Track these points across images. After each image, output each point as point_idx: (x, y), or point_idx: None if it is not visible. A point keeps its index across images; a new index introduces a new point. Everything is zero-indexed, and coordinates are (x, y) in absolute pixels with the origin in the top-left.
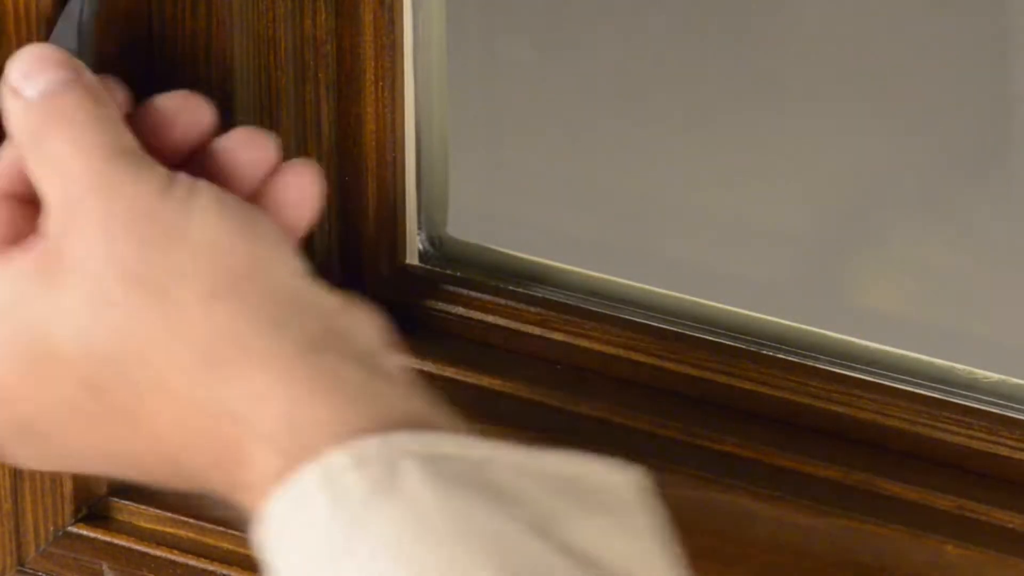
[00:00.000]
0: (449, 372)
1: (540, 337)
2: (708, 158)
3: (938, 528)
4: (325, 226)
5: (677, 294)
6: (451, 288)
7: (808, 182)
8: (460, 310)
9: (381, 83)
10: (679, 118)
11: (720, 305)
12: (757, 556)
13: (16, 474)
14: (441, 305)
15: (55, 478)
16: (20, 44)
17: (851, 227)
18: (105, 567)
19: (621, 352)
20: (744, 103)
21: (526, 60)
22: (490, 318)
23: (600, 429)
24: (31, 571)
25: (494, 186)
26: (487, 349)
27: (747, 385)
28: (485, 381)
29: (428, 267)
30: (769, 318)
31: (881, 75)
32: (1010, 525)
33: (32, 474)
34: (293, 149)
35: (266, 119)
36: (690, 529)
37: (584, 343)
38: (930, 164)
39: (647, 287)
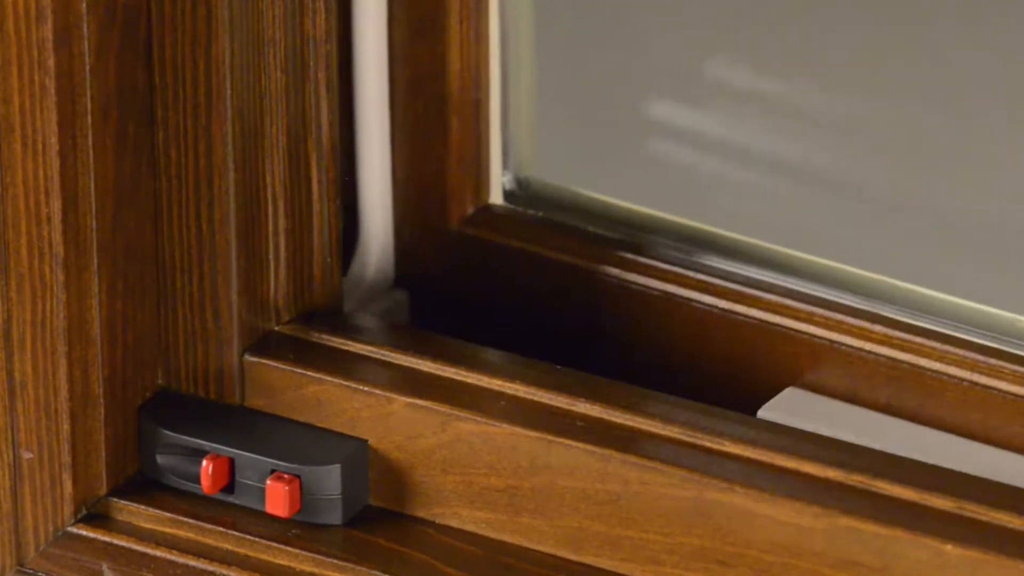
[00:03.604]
0: (531, 311)
1: (616, 279)
2: (796, 99)
3: (938, 528)
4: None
5: (755, 240)
6: (533, 228)
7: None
8: (541, 250)
9: (466, 21)
10: (769, 57)
11: (794, 252)
12: (757, 556)
13: (16, 474)
14: (523, 245)
15: (55, 479)
16: (20, 43)
17: (903, 188)
18: (105, 567)
19: (694, 295)
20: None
21: None
22: (569, 259)
23: (597, 429)
24: (31, 571)
25: (582, 127)
26: (567, 289)
27: (812, 330)
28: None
29: (511, 207)
30: (840, 266)
31: None
32: (1010, 525)
33: (32, 474)
34: (291, 150)
35: (265, 120)
36: (690, 529)
37: (668, 287)
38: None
39: (729, 233)
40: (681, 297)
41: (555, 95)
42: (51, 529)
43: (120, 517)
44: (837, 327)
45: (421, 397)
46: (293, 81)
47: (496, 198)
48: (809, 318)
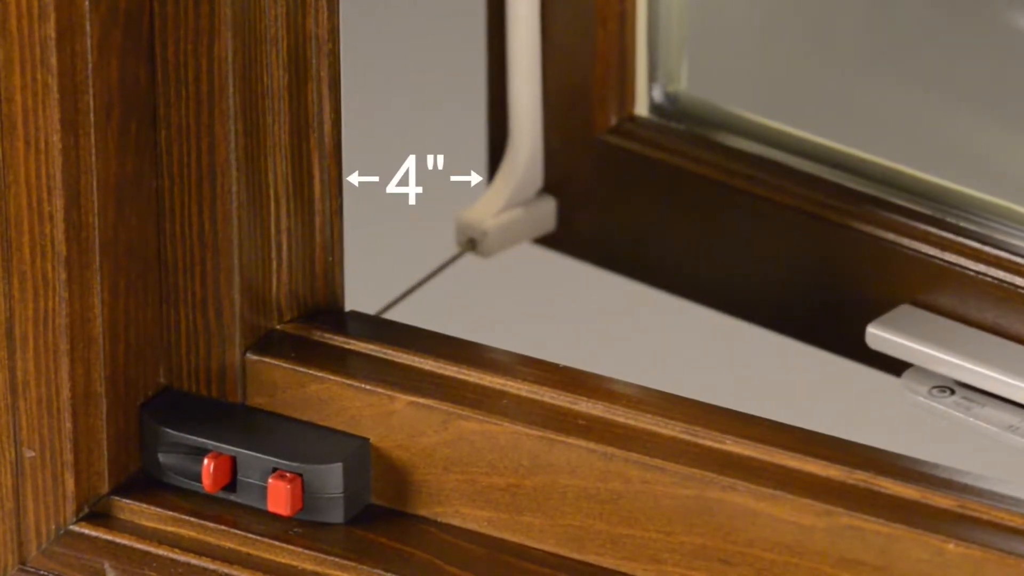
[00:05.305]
0: (671, 221)
1: (749, 193)
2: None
3: (938, 527)
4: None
5: (881, 160)
6: (675, 141)
7: None
8: (682, 162)
9: None
10: None
11: (912, 171)
12: (759, 555)
13: (18, 472)
14: (663, 156)
15: (57, 477)
16: (23, 42)
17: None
18: (107, 566)
19: (818, 211)
20: None
21: None
22: (707, 171)
23: (598, 428)
24: (33, 570)
25: (731, 43)
26: (701, 201)
27: (927, 249)
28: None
29: (655, 119)
30: (955, 186)
31: None
32: (1012, 524)
33: (34, 473)
34: (293, 148)
35: (268, 118)
36: (692, 528)
37: (797, 203)
38: None
39: (857, 152)
40: (806, 212)
41: (707, 11)
42: (53, 528)
43: (122, 516)
44: (950, 247)
45: (423, 396)
46: (295, 79)
47: (642, 110)
48: (925, 237)
